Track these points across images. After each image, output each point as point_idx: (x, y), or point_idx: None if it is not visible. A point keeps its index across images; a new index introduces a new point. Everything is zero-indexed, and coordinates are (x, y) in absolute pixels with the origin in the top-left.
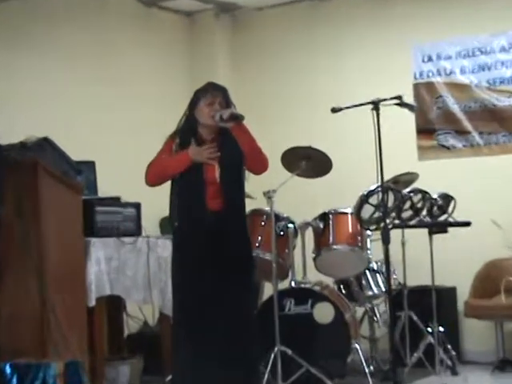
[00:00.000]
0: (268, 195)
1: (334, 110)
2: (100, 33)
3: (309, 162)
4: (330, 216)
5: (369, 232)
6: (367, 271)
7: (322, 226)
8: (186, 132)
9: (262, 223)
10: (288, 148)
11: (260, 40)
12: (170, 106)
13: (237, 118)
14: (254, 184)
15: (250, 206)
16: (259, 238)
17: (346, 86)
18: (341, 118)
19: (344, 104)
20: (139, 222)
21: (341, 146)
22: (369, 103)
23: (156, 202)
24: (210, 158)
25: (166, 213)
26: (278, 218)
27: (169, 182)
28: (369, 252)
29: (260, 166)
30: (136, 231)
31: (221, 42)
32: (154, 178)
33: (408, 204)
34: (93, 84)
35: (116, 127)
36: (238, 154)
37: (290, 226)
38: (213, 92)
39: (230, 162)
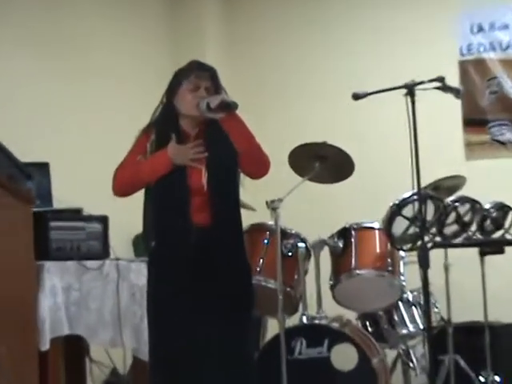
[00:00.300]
0: (272, 206)
1: (357, 97)
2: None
3: (324, 162)
4: (352, 232)
5: (402, 253)
6: (400, 303)
7: (341, 244)
8: (164, 125)
9: (265, 242)
10: (297, 145)
11: (258, 12)
12: (145, 96)
13: (228, 107)
14: (253, 191)
15: (248, 219)
16: (260, 260)
17: (369, 65)
18: (364, 108)
19: (366, 89)
20: (106, 241)
21: (364, 143)
22: (401, 87)
23: (128, 216)
24: (195, 159)
25: (139, 230)
26: (284, 234)
27: (142, 191)
28: (402, 278)
29: (260, 167)
30: (102, 253)
31: (209, 15)
32: (123, 186)
33: (453, 216)
34: (48, 70)
35: (76, 121)
36: (230, 152)
37: (301, 245)
38: (198, 73)
39: (220, 163)
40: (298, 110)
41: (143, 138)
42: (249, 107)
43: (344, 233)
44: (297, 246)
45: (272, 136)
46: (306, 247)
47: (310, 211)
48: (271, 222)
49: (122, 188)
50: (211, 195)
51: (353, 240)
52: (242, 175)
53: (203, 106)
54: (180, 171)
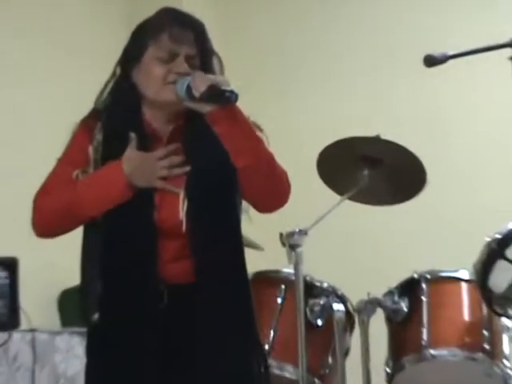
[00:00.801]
0: (290, 242)
1: (431, 61)
2: None
3: (377, 170)
4: (423, 286)
5: (507, 320)
6: None
7: (405, 307)
8: (117, 117)
9: (278, 301)
10: (332, 143)
11: None
12: (89, 80)
13: (223, 97)
14: (261, 220)
15: (253, 264)
16: (271, 332)
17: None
18: (428, 82)
19: (433, 49)
20: (15, 301)
21: (435, 140)
22: (502, 46)
23: (51, 259)
24: (169, 177)
25: (71, 282)
26: (310, 289)
27: (80, 229)
28: (507, 364)
29: (272, 195)
30: (8, 320)
31: None
32: (47, 221)
33: None
34: None
35: None
36: (225, 165)
37: (338, 307)
38: (175, 32)
39: (208, 183)
40: (320, 91)
41: (81, 137)
42: (246, 89)
43: (409, 287)
44: (330, 308)
45: (279, 130)
46: (347, 311)
47: (352, 251)
48: (288, 270)
49: (46, 224)
50: (194, 236)
51: (424, 299)
52: (244, 203)
53: (181, 90)
54: (142, 199)
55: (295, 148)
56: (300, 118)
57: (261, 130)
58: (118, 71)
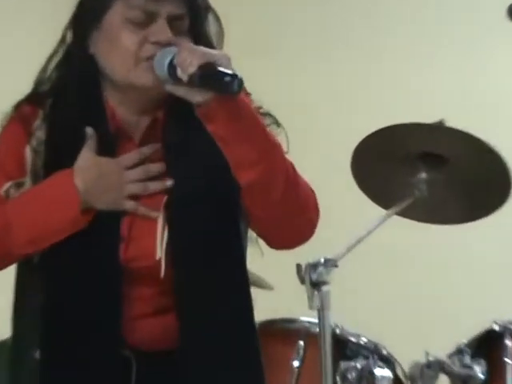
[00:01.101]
0: (313, 278)
1: None
2: None
3: (438, 173)
4: (507, 343)
5: None
6: None
7: (481, 373)
8: (67, 104)
9: (294, 364)
10: (372, 133)
11: None
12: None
13: (222, 82)
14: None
15: (259, 309)
16: None
17: None
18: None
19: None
20: None
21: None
22: None
23: None
24: (142, 194)
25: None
26: (343, 347)
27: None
28: None
29: (295, 226)
30: None
31: None
32: None
33: None
34: None
35: None
36: (221, 181)
37: (382, 373)
38: None
39: (198, 205)
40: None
41: (13, 132)
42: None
43: (487, 344)
44: (371, 374)
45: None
46: (396, 377)
47: (402, 291)
48: (309, 318)
49: None
50: (178, 284)
51: (510, 361)
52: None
53: (161, 68)
54: (103, 228)
55: (319, 146)
56: (324, 102)
57: (277, 126)
58: (70, 37)
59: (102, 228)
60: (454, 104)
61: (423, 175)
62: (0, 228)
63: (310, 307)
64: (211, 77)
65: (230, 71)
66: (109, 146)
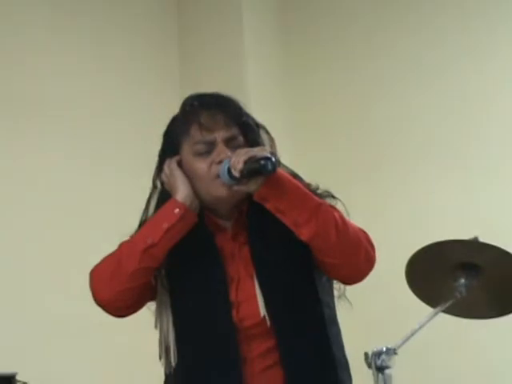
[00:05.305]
0: (377, 363)
1: None
2: None
3: (475, 279)
4: None
5: None
6: None
7: None
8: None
9: None
10: (422, 247)
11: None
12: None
13: (260, 166)
14: None
15: None
16: None
17: None
18: None
19: None
20: None
21: None
22: None
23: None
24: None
25: None
26: None
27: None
28: None
29: (356, 261)
30: None
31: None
32: (107, 285)
33: None
34: None
35: None
36: (294, 247)
37: None
38: (204, 119)
39: (280, 270)
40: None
41: None
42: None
43: None
44: None
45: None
46: None
47: (452, 374)
48: None
49: (106, 290)
50: (279, 332)
51: None
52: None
53: (224, 175)
54: (216, 292)
55: (382, 257)
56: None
57: (333, 197)
58: (159, 183)
59: (215, 294)
60: (485, 223)
61: (462, 281)
62: (118, 256)
63: None
64: (253, 166)
65: (263, 155)
66: (208, 237)
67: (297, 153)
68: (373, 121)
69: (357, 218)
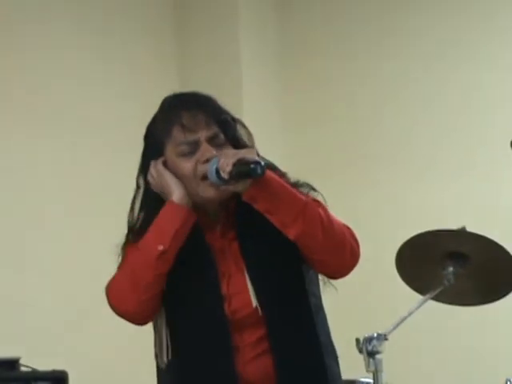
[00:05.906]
0: (368, 348)
1: None
2: None
3: (463, 267)
4: None
5: None
6: None
7: None
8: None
9: None
10: (410, 238)
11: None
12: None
13: (250, 170)
14: (332, 323)
15: None
16: None
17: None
18: None
19: None
20: None
21: None
22: None
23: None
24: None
25: None
26: None
27: None
28: None
29: (341, 256)
30: None
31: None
32: (129, 298)
33: None
34: None
35: None
36: (281, 243)
37: None
38: (185, 119)
39: (269, 263)
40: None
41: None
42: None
43: None
44: None
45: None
46: None
47: (440, 357)
48: (366, 379)
49: (129, 305)
50: (270, 321)
51: None
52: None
53: (212, 176)
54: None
55: (371, 245)
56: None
57: (314, 191)
58: (142, 182)
59: (207, 289)
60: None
61: (450, 269)
62: (132, 265)
63: (367, 371)
64: (242, 168)
65: (253, 159)
66: (199, 235)
67: (288, 152)
68: (360, 118)
69: (348, 208)
